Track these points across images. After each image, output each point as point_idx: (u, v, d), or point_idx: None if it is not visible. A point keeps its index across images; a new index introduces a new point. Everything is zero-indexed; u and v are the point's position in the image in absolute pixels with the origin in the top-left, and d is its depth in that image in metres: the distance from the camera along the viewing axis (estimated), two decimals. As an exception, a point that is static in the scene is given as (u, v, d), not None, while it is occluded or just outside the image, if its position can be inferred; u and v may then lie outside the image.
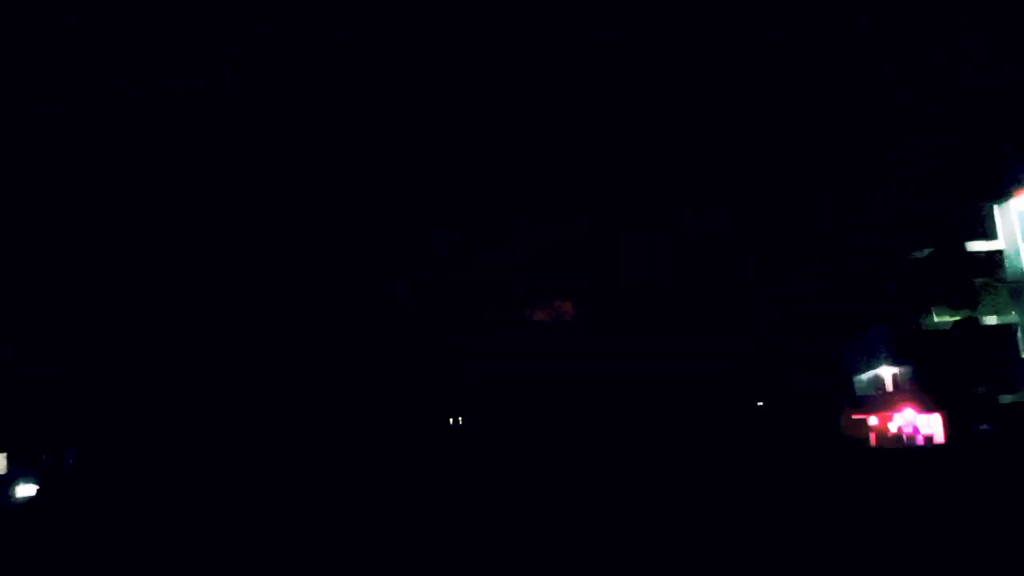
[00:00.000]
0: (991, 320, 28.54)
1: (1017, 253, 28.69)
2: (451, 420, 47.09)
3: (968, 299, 29.20)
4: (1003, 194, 29.21)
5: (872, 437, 30.39)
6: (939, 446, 27.74)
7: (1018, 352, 28.35)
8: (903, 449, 27.97)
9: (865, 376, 34.50)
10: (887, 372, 32.47)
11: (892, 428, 29.97)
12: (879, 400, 32.58)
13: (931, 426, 28.75)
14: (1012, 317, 28.52)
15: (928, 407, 28.95)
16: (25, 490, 28.25)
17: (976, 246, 29.13)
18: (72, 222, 43.68)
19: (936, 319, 28.96)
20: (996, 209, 29.39)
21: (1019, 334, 28.40)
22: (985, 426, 27.74)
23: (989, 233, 29.45)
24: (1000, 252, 29.07)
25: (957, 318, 28.84)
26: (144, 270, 43.85)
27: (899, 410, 30.02)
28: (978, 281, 29.22)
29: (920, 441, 28.63)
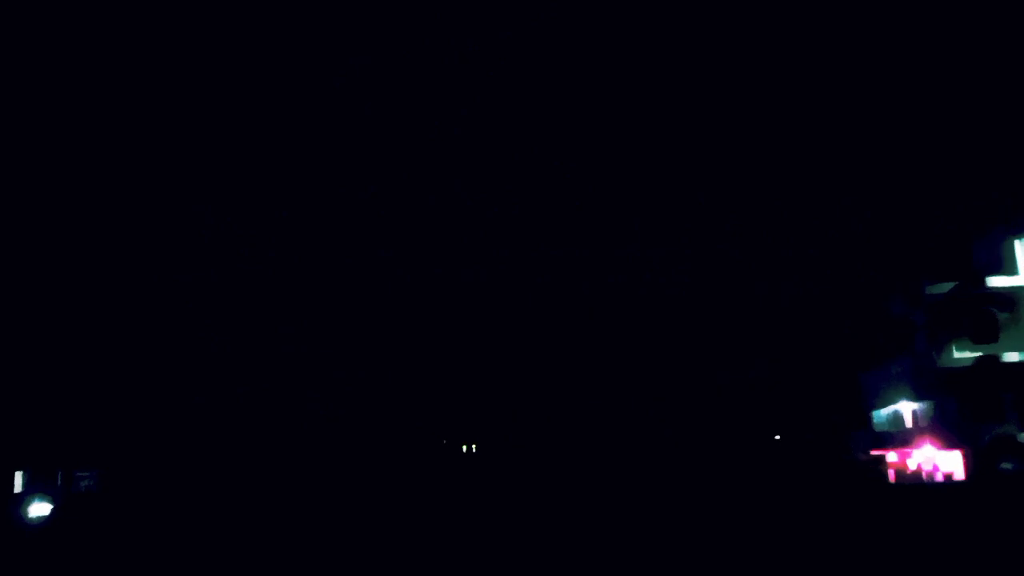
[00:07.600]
0: (1013, 356, 28.16)
1: (1039, 288, 28.38)
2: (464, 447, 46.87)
3: (989, 335, 28.86)
4: (1025, 229, 28.98)
5: (891, 474, 29.94)
6: (959, 484, 27.28)
7: (1040, 389, 27.91)
8: (922, 486, 27.55)
9: (884, 412, 34.07)
10: (907, 408, 32.04)
11: (912, 465, 29.51)
12: (898, 436, 32.14)
13: (951, 464, 28.28)
14: (1034, 353, 28.13)
15: (949, 444, 28.51)
16: (39, 509, 28.40)
17: (997, 281, 28.87)
18: (80, 242, 44.20)
19: (957, 355, 28.63)
20: (1017, 244, 29.13)
21: (1042, 371, 27.99)
22: (1007, 464, 27.27)
23: (1010, 268, 29.18)
24: (1022, 287, 28.77)
25: (978, 354, 28.49)
26: (176, 302, 44.33)
27: (919, 447, 29.58)
28: (1000, 317, 28.92)
29: (940, 479, 28.16)
